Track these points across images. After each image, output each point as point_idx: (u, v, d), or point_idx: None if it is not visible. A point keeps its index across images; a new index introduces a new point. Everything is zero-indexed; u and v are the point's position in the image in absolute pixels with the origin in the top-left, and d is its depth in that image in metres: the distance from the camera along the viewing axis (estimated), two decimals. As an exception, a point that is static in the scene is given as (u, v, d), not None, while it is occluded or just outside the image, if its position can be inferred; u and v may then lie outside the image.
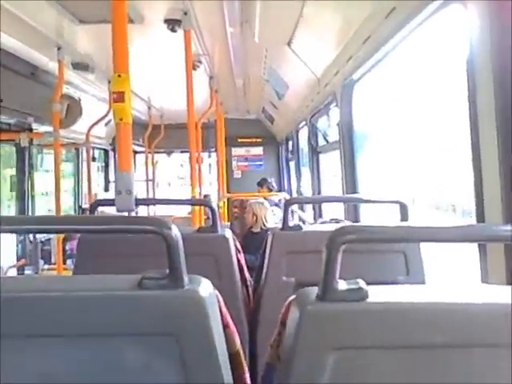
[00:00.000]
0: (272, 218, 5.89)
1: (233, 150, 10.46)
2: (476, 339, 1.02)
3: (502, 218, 1.66)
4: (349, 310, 1.03)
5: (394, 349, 1.02)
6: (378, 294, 1.06)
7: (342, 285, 1.05)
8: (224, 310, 1.22)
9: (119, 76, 2.40)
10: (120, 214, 2.54)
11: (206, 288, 1.11)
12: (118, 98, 2.40)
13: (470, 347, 1.02)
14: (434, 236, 1.10)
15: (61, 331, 1.06)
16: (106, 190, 9.44)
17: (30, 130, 5.58)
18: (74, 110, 5.48)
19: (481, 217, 1.78)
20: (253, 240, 5.52)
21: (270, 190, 8.44)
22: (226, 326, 1.21)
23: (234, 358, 1.24)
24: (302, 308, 1.05)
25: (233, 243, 2.39)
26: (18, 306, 1.05)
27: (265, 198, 7.51)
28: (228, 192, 8.96)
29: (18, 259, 5.90)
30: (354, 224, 1.09)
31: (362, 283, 1.06)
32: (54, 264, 5.20)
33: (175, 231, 1.09)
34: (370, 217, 4.01)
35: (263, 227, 5.62)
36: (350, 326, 1.03)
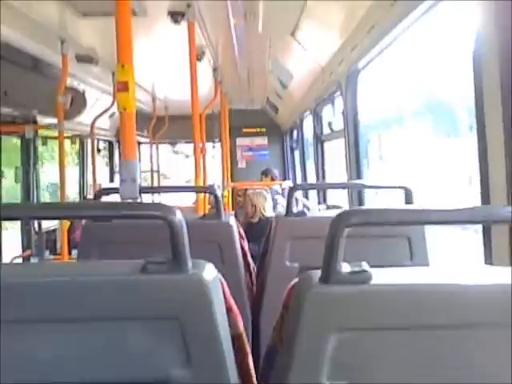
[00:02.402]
0: (270, 208, 5.89)
1: (237, 140, 10.44)
2: (479, 319, 1.02)
3: (507, 200, 1.66)
4: (352, 293, 1.03)
5: (398, 330, 1.03)
6: (382, 277, 1.06)
7: (346, 267, 1.05)
8: (227, 293, 1.23)
9: (123, 66, 2.41)
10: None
11: (209, 272, 1.12)
12: (121, 87, 2.41)
13: (474, 328, 1.03)
14: (438, 218, 1.10)
15: (63, 316, 1.07)
16: (111, 180, 9.47)
17: (35, 122, 5.59)
18: (78, 102, 5.49)
19: (486, 199, 1.78)
20: (252, 230, 5.53)
21: (274, 180, 8.43)
22: (229, 309, 1.22)
23: (236, 340, 1.25)
24: (304, 291, 1.05)
25: (236, 230, 2.40)
26: (21, 291, 1.06)
27: (268, 187, 7.53)
28: (232, 182, 8.96)
29: (24, 250, 5.93)
30: (358, 207, 1.09)
31: (365, 266, 1.06)
32: (59, 254, 5.23)
33: (179, 216, 1.09)
34: (374, 204, 4.01)
35: (262, 217, 5.64)
36: (353, 308, 1.03)
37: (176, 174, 12.76)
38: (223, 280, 1.20)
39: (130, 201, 2.38)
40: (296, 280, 1.14)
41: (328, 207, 3.10)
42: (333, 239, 1.04)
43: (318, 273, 1.07)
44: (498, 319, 1.02)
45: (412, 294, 1.04)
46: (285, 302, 1.17)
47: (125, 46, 2.43)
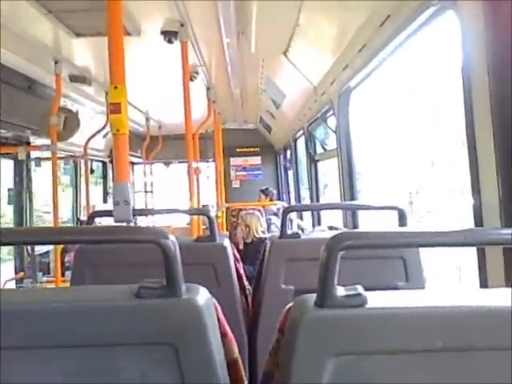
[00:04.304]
0: (264, 228, 5.91)
1: (231, 159, 10.47)
2: (476, 343, 1.01)
3: (500, 222, 1.66)
4: (348, 316, 1.03)
5: (394, 354, 1.01)
6: (377, 300, 1.06)
7: (341, 291, 1.05)
8: (222, 318, 1.22)
9: (115, 87, 2.40)
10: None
11: (203, 296, 1.11)
12: (114, 109, 2.40)
13: (470, 351, 1.01)
14: (432, 241, 1.09)
15: (58, 342, 1.06)
16: (105, 201, 9.43)
17: (28, 143, 5.58)
18: (71, 122, 5.47)
19: (479, 220, 1.78)
20: (246, 250, 5.55)
21: (272, 200, 8.45)
22: (223, 334, 1.21)
23: (232, 366, 1.23)
24: (300, 315, 1.04)
25: (231, 252, 2.39)
26: (15, 318, 1.05)
27: (263, 207, 7.52)
28: (226, 202, 8.96)
29: (17, 272, 5.88)
30: (352, 230, 1.08)
31: (360, 289, 1.05)
32: (53, 276, 5.19)
33: (172, 240, 1.09)
34: (369, 224, 4.01)
35: (254, 238, 5.65)
36: (349, 332, 1.02)
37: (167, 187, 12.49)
38: (217, 304, 1.20)
39: (123, 224, 2.36)
40: (291, 304, 1.13)
41: (331, 228, 3.09)
42: (327, 263, 1.03)
43: (313, 296, 1.06)
44: (496, 342, 1.01)
45: (408, 317, 1.03)
46: (280, 326, 1.15)
47: (117, 66, 2.43)
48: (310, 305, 1.05)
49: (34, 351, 1.06)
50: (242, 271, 2.54)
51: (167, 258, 1.08)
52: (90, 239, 1.22)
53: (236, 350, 1.28)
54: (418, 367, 1.01)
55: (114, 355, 1.06)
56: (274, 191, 8.66)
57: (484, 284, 1.79)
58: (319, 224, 5.80)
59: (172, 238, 1.09)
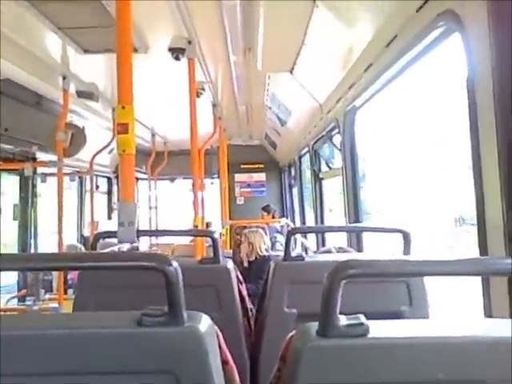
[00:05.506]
0: (268, 246, 5.88)
1: (236, 176, 10.48)
2: (479, 375, 1.00)
3: (504, 250, 1.64)
4: (350, 346, 1.02)
5: None
6: (379, 329, 1.05)
7: (343, 320, 1.04)
8: (223, 345, 1.21)
9: (123, 108, 2.40)
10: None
11: (205, 325, 1.11)
12: (121, 129, 2.40)
13: (472, 383, 1.00)
14: (436, 270, 1.09)
15: (60, 369, 1.05)
16: (109, 217, 9.42)
17: (34, 159, 5.59)
18: (78, 138, 5.49)
19: (484, 249, 1.77)
20: (250, 268, 5.52)
21: (274, 217, 8.45)
22: (224, 363, 1.20)
23: None
24: (302, 344, 1.03)
25: (234, 274, 2.37)
26: (18, 344, 1.04)
27: (267, 225, 7.51)
28: (230, 218, 8.94)
29: (20, 289, 5.87)
30: (354, 258, 1.07)
31: (362, 318, 1.04)
32: (55, 294, 5.18)
33: (175, 267, 1.08)
34: (372, 243, 3.98)
35: (258, 256, 5.62)
36: (351, 362, 1.01)
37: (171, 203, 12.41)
38: (219, 332, 1.19)
39: (125, 248, 2.35)
40: (293, 332, 1.12)
41: (338, 250, 3.05)
42: (329, 292, 1.03)
43: (315, 325, 1.06)
44: (499, 374, 0.99)
45: (410, 348, 1.02)
46: (282, 354, 1.15)
47: (126, 86, 2.43)
48: (313, 334, 1.04)
49: (35, 378, 1.05)
50: (244, 292, 2.52)
51: (170, 286, 1.07)
52: (92, 266, 1.21)
53: (237, 377, 1.27)
54: None
55: (115, 383, 1.05)
56: (276, 208, 8.65)
57: (488, 313, 1.77)
58: (323, 244, 5.77)
59: (175, 264, 1.08)
